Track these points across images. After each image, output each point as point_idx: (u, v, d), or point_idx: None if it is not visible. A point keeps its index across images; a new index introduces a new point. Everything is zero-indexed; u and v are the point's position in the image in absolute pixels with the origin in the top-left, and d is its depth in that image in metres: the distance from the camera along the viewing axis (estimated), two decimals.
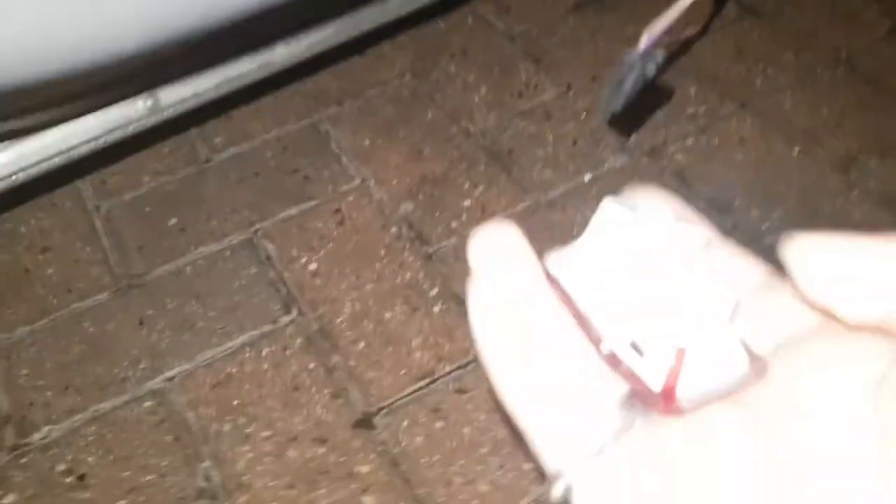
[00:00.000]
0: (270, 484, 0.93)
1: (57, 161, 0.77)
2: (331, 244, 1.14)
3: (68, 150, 0.77)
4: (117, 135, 0.79)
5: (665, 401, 0.24)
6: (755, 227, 1.09)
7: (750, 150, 1.19)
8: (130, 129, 0.79)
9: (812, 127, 1.21)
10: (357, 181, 1.21)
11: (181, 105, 0.81)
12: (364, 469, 0.93)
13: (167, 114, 0.80)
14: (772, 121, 1.22)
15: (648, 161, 1.19)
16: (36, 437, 0.98)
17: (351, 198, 1.19)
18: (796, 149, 1.18)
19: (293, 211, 1.18)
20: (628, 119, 1.24)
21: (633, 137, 1.22)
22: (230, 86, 0.84)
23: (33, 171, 0.77)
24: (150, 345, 1.05)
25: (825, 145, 1.19)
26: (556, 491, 0.26)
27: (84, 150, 0.78)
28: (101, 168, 1.24)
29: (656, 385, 0.24)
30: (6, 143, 0.73)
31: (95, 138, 0.77)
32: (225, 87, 0.83)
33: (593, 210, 0.26)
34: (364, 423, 0.97)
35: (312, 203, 1.19)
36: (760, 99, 1.25)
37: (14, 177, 0.76)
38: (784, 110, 1.23)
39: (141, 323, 1.07)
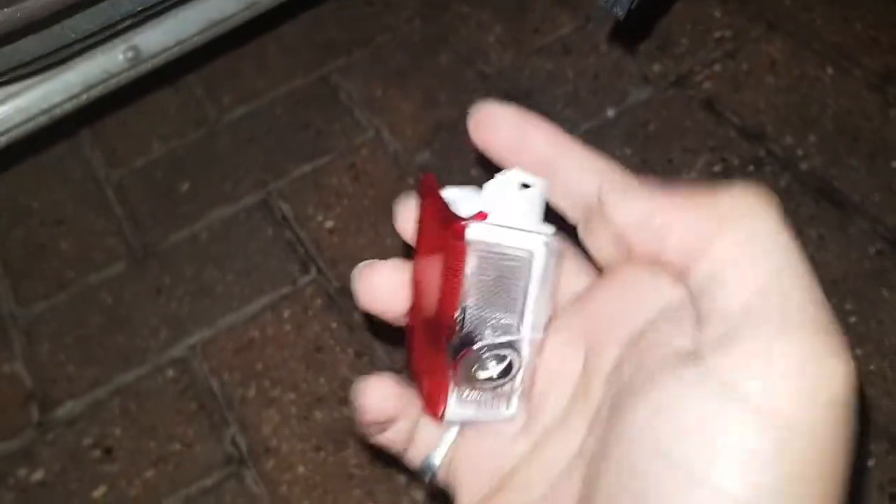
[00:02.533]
0: (298, 447, 0.91)
1: (40, 121, 0.74)
2: (347, 200, 1.11)
3: (49, 108, 0.73)
4: (100, 90, 0.76)
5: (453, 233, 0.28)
6: (789, 154, 1.04)
7: (781, 74, 1.13)
8: (113, 83, 0.76)
9: (845, 45, 1.14)
10: (370, 133, 1.17)
11: (165, 55, 0.77)
12: None
13: (151, 64, 0.76)
14: (803, 41, 1.15)
15: (674, 91, 1.13)
16: (60, 412, 0.97)
17: (365, 151, 1.15)
18: (829, 70, 1.11)
19: (307, 168, 1.14)
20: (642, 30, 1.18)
21: (657, 66, 1.16)
22: (216, 31, 0.79)
23: (16, 133, 0.74)
24: (169, 313, 1.03)
25: (860, 64, 1.12)
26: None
27: (67, 107, 0.75)
28: (109, 136, 1.21)
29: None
30: None
31: (77, 95, 0.74)
32: (210, 32, 0.79)
33: (618, 147, 0.29)
34: None
35: (326, 159, 1.15)
36: (790, 18, 1.18)
37: None
38: (815, 29, 1.16)
39: (159, 291, 1.05)
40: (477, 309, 0.29)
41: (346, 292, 1.02)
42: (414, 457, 0.34)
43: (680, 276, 0.26)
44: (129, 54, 0.73)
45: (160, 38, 0.75)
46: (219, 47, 0.91)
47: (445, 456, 0.33)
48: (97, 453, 0.93)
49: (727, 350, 0.23)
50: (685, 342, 0.25)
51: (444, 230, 0.28)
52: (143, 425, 0.95)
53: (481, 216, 0.28)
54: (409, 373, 0.34)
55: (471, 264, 0.28)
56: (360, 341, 0.98)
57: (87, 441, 0.94)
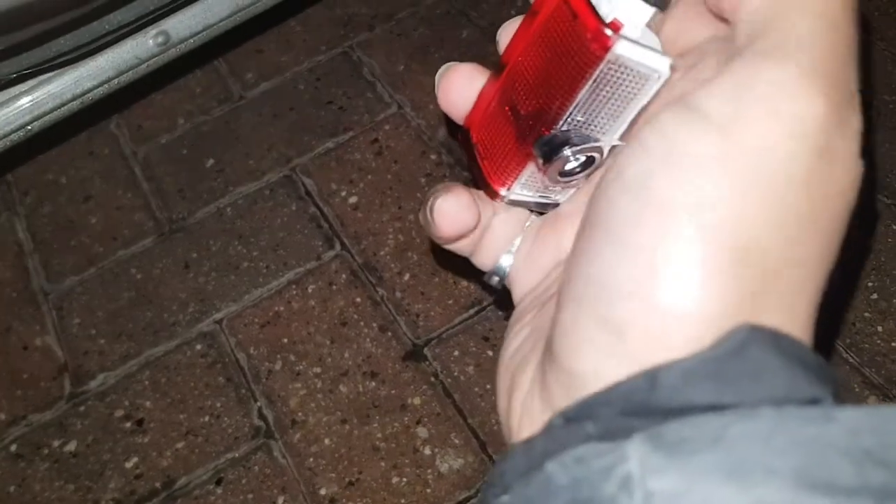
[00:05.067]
0: (324, 420, 0.93)
1: (72, 106, 0.75)
2: (370, 175, 1.11)
3: (82, 93, 0.75)
4: (131, 75, 0.77)
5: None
6: None
7: None
8: (144, 68, 0.77)
9: (869, 18, 1.13)
10: (393, 108, 1.17)
11: (194, 39, 0.78)
12: (416, 401, 0.93)
13: (180, 49, 0.77)
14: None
15: None
16: (92, 384, 0.99)
17: (388, 126, 1.16)
18: None
19: (330, 144, 1.15)
20: None
21: None
22: (244, 15, 0.80)
23: (49, 119, 0.75)
24: (196, 288, 1.05)
25: (884, 37, 1.11)
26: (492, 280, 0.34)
27: (99, 92, 0.76)
28: (135, 113, 1.23)
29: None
30: (17, 90, 0.71)
31: (109, 80, 0.75)
32: (238, 16, 0.79)
33: None
34: (414, 354, 0.96)
35: (349, 134, 1.16)
36: None
37: (30, 126, 0.75)
38: None
39: (186, 266, 1.07)
40: (582, 112, 0.29)
41: (370, 267, 1.03)
42: (483, 260, 0.35)
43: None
44: (159, 39, 0.74)
45: (189, 23, 0.76)
46: (242, 24, 0.91)
47: (514, 258, 0.34)
48: (129, 425, 0.96)
49: (713, 80, 0.23)
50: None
51: (583, 29, 0.27)
52: (172, 398, 0.97)
53: (615, 26, 0.27)
54: (467, 148, 0.34)
55: (597, 71, 0.28)
56: (383, 316, 0.99)
57: (119, 413, 0.96)
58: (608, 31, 0.27)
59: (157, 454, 0.93)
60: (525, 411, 0.28)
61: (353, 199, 1.10)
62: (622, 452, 0.20)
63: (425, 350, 0.96)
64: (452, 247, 0.35)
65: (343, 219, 1.08)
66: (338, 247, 1.06)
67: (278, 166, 1.14)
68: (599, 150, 0.30)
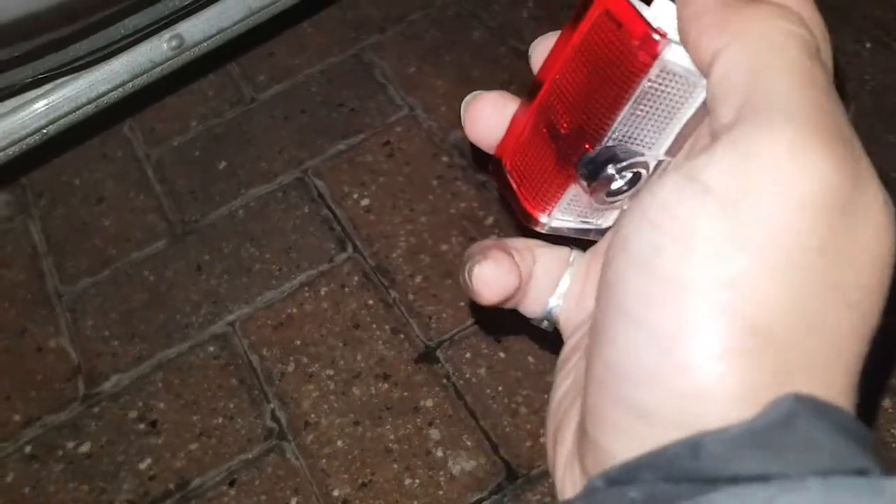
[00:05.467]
0: (336, 421, 0.93)
1: (87, 110, 0.76)
2: (382, 178, 1.12)
3: (97, 97, 0.75)
4: (145, 79, 0.77)
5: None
6: None
7: None
8: (158, 72, 0.77)
9: (885, 19, 1.13)
10: (405, 111, 1.17)
11: (208, 43, 0.78)
12: (428, 403, 0.93)
13: (194, 52, 0.78)
14: (841, 15, 1.14)
15: None
16: (106, 385, 0.99)
17: (399, 128, 1.16)
18: (868, 44, 1.10)
19: (342, 146, 1.15)
20: None
21: None
22: (257, 18, 0.81)
23: (65, 122, 0.76)
24: (209, 290, 1.05)
25: None
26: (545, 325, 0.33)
27: (114, 96, 0.77)
28: (147, 115, 1.23)
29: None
30: (33, 94, 0.72)
31: (123, 84, 0.76)
32: (251, 20, 0.80)
33: None
34: (426, 357, 0.96)
35: (361, 136, 1.16)
36: None
37: (46, 129, 0.75)
38: (854, 2, 1.15)
39: (199, 268, 1.08)
40: (627, 126, 0.28)
41: (382, 269, 1.03)
42: (531, 308, 0.34)
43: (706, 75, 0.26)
44: (174, 43, 0.74)
45: (203, 26, 0.76)
46: (254, 27, 0.92)
47: (562, 299, 0.33)
48: (142, 426, 0.96)
49: (710, 149, 0.23)
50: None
51: (629, 37, 0.26)
52: (186, 399, 0.97)
53: (661, 32, 0.26)
54: (500, 178, 0.33)
55: (645, 80, 0.26)
56: (396, 318, 0.99)
57: (133, 414, 0.97)
58: (656, 36, 0.26)
59: (171, 455, 0.93)
60: (567, 471, 0.27)
61: (365, 202, 1.10)
62: None
63: (437, 352, 0.96)
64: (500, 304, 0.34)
65: (355, 221, 1.08)
66: (350, 249, 1.06)
67: (290, 168, 1.15)
68: (646, 164, 0.29)
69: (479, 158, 1.11)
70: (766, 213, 0.22)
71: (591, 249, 0.33)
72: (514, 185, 0.32)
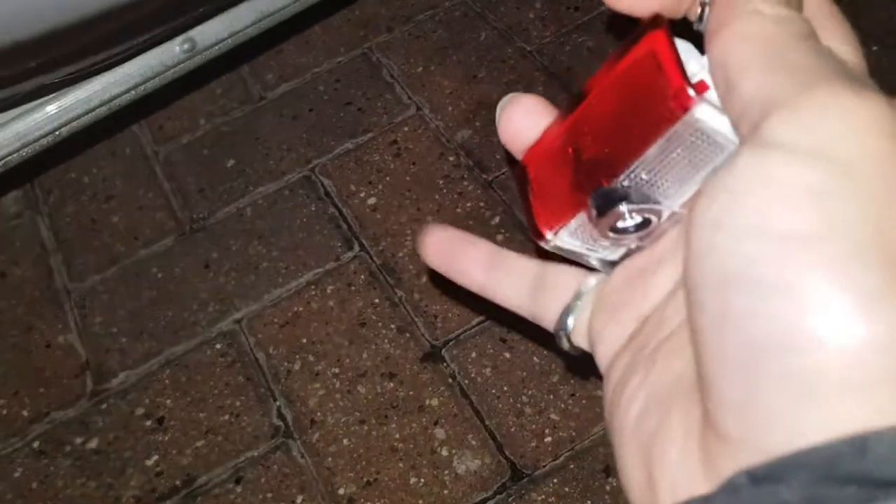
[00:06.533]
0: (342, 420, 0.94)
1: (100, 112, 0.77)
2: (388, 177, 1.12)
3: (110, 100, 0.76)
4: (157, 82, 0.78)
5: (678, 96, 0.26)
6: None
7: None
8: (170, 75, 0.78)
9: (891, 22, 1.13)
10: (412, 110, 1.18)
11: (219, 46, 0.79)
12: (434, 402, 0.93)
13: (206, 56, 0.79)
14: (847, 16, 1.13)
15: None
16: (114, 382, 1.00)
17: (406, 128, 1.16)
18: (874, 47, 1.10)
19: (349, 145, 1.16)
20: None
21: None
22: (268, 22, 0.81)
23: (77, 125, 0.77)
24: (216, 287, 1.06)
25: None
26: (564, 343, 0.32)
27: (126, 98, 0.78)
28: (156, 113, 1.24)
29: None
30: (46, 97, 0.72)
31: (136, 86, 0.77)
32: (262, 24, 0.81)
33: None
34: (432, 356, 0.96)
35: (368, 136, 1.16)
36: None
37: (59, 131, 0.76)
38: (860, 6, 1.15)
39: (207, 266, 1.08)
40: (647, 171, 0.28)
41: (389, 268, 1.04)
42: (547, 320, 0.33)
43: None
44: (186, 46, 0.75)
45: (215, 30, 0.77)
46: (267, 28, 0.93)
47: (580, 314, 0.32)
48: (149, 423, 0.97)
49: (758, 128, 0.23)
50: None
51: (666, 84, 0.26)
52: (193, 397, 0.98)
53: (701, 87, 0.26)
54: (522, 183, 0.32)
55: (672, 130, 0.26)
56: (402, 317, 1.00)
57: (140, 411, 0.98)
58: (691, 92, 0.25)
59: (178, 452, 0.94)
60: (678, 482, 0.25)
61: (371, 200, 1.10)
62: None
63: (443, 351, 0.97)
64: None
65: (362, 220, 1.09)
66: (356, 248, 1.07)
67: (298, 167, 1.15)
68: (658, 213, 0.29)
69: (485, 159, 1.11)
70: (856, 152, 0.21)
71: (623, 265, 0.32)
72: (532, 196, 0.32)
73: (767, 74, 0.23)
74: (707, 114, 0.26)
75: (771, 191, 0.22)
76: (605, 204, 0.28)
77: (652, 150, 0.27)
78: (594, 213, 0.29)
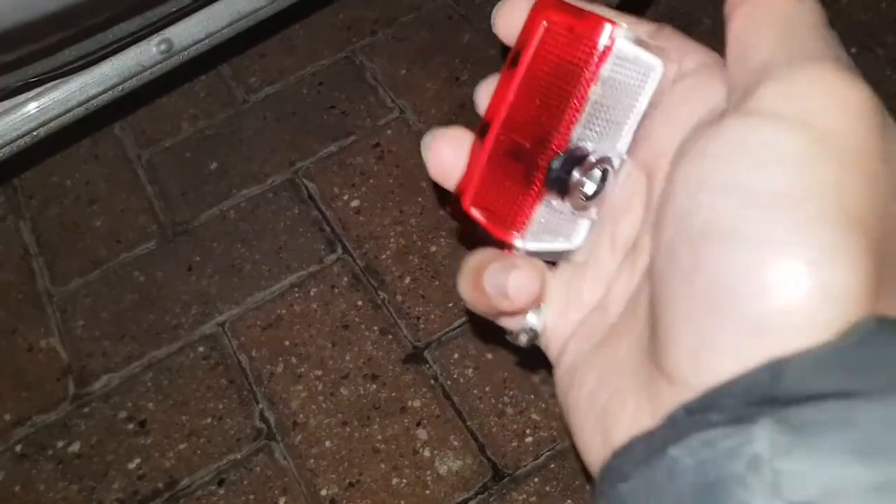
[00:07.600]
0: (325, 422, 0.94)
1: (77, 112, 0.77)
2: (372, 180, 1.12)
3: (87, 100, 0.76)
4: (135, 82, 0.78)
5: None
6: None
7: None
8: (147, 75, 0.78)
9: (871, 24, 1.14)
10: (395, 113, 1.18)
11: (197, 47, 0.79)
12: (416, 403, 0.93)
13: (183, 56, 0.79)
14: (829, 21, 1.14)
15: None
16: (96, 385, 1.00)
17: (389, 130, 1.17)
18: (853, 49, 1.11)
19: (332, 148, 1.16)
20: None
21: None
22: (245, 23, 0.82)
23: (55, 125, 0.77)
24: (199, 290, 1.06)
25: (884, 43, 1.11)
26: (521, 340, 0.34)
27: (104, 99, 0.78)
28: (139, 116, 1.24)
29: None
30: (23, 97, 0.72)
31: (113, 87, 0.77)
32: (239, 24, 0.81)
33: None
34: (414, 357, 0.97)
35: (351, 139, 1.17)
36: None
37: (36, 132, 0.76)
38: (841, 8, 1.16)
39: (189, 269, 1.08)
40: (588, 124, 0.29)
41: (372, 270, 1.04)
42: (510, 321, 0.35)
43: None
44: (162, 47, 0.75)
45: (192, 31, 0.77)
46: (244, 30, 0.93)
47: (543, 313, 0.33)
48: (132, 426, 0.97)
49: (749, 96, 0.24)
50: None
51: (572, 27, 0.27)
52: (175, 400, 0.98)
53: (612, 22, 0.27)
54: (459, 216, 0.33)
55: (597, 68, 0.27)
56: (384, 319, 1.00)
57: (122, 414, 0.97)
58: (607, 25, 0.27)
59: (160, 455, 0.94)
60: (632, 432, 0.27)
61: (354, 203, 1.11)
62: (749, 435, 0.21)
63: (425, 353, 0.97)
64: (485, 312, 0.34)
65: (345, 223, 1.09)
66: (339, 250, 1.07)
67: (281, 169, 1.15)
68: (611, 161, 0.30)
69: None
70: (837, 125, 0.23)
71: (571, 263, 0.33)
72: (482, 219, 0.32)
73: (773, 52, 0.25)
74: (619, 33, 0.27)
75: (755, 153, 0.24)
76: (565, 172, 0.29)
77: (587, 99, 0.28)
78: (556, 187, 0.30)
